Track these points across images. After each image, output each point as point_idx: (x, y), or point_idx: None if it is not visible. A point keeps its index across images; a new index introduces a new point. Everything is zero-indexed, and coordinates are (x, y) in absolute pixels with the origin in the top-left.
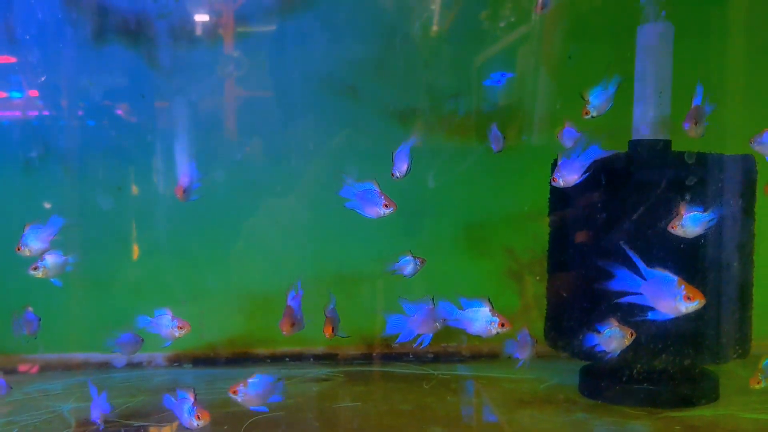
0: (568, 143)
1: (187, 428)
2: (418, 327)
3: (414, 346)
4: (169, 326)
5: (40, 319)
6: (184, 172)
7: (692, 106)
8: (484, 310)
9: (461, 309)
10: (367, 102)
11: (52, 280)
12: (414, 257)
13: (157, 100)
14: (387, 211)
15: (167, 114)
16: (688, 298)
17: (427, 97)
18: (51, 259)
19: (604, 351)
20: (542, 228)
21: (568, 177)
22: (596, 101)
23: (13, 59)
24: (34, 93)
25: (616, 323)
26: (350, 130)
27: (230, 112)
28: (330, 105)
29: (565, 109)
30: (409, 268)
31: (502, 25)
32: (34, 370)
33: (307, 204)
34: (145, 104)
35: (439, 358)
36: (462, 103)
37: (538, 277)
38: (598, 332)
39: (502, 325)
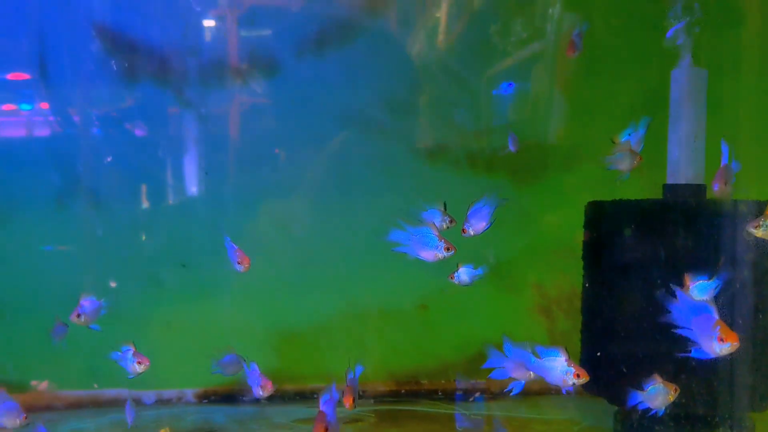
0: None
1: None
2: (513, 370)
3: (505, 390)
4: (130, 361)
5: (67, 327)
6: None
7: (720, 166)
8: (560, 360)
9: (537, 357)
10: (396, 139)
11: (91, 326)
12: (444, 214)
13: (184, 133)
14: (447, 255)
15: (196, 152)
16: (447, 249)
17: (456, 134)
18: (88, 306)
19: (648, 408)
20: (570, 264)
21: (477, 225)
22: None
23: (45, 102)
24: (65, 130)
25: (660, 379)
26: (380, 165)
27: (259, 150)
28: (359, 142)
29: (594, 146)
30: (436, 221)
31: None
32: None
33: (337, 240)
34: (172, 141)
35: (467, 395)
36: (490, 140)
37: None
38: (642, 389)
39: (578, 375)
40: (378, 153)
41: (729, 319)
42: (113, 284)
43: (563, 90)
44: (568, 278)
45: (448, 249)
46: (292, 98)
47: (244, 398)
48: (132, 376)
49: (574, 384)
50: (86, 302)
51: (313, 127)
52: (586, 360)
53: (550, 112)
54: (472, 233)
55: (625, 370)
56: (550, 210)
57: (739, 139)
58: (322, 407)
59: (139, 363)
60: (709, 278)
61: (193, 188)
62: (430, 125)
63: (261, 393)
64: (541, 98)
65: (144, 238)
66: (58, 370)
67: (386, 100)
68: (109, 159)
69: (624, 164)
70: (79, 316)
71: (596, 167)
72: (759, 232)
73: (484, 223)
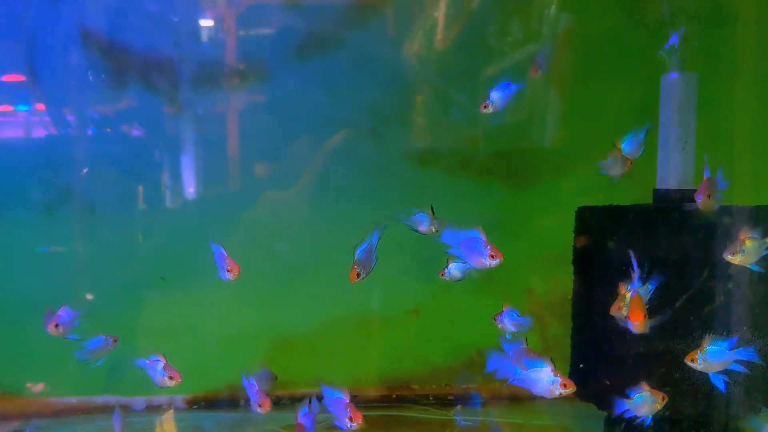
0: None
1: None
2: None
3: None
4: (160, 374)
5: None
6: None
7: (704, 179)
8: (547, 371)
9: (524, 369)
10: (388, 144)
11: (69, 336)
12: (433, 217)
13: (176, 142)
14: (493, 263)
15: (186, 157)
16: (492, 257)
17: (448, 139)
18: (64, 316)
19: (635, 416)
20: (562, 269)
21: (366, 263)
22: (628, 148)
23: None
24: (53, 134)
25: (647, 387)
26: (371, 170)
27: (250, 155)
28: (351, 148)
29: (588, 150)
30: (424, 226)
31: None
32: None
33: (328, 247)
34: (164, 146)
35: (459, 400)
36: (483, 145)
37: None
38: (629, 397)
39: (564, 386)
40: (370, 158)
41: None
42: (90, 296)
43: (557, 94)
44: (560, 284)
45: (493, 257)
46: (281, 105)
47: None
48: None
49: (561, 394)
50: (62, 312)
51: (305, 133)
52: (576, 366)
53: (544, 117)
54: (364, 275)
55: (614, 376)
56: (542, 215)
57: (732, 144)
58: (300, 420)
59: (171, 378)
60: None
61: (183, 194)
62: (421, 130)
63: (259, 411)
64: (535, 102)
65: (137, 241)
66: (48, 377)
67: (377, 106)
68: (84, 171)
69: (615, 169)
70: (56, 326)
71: (590, 172)
72: (736, 259)
73: (371, 262)
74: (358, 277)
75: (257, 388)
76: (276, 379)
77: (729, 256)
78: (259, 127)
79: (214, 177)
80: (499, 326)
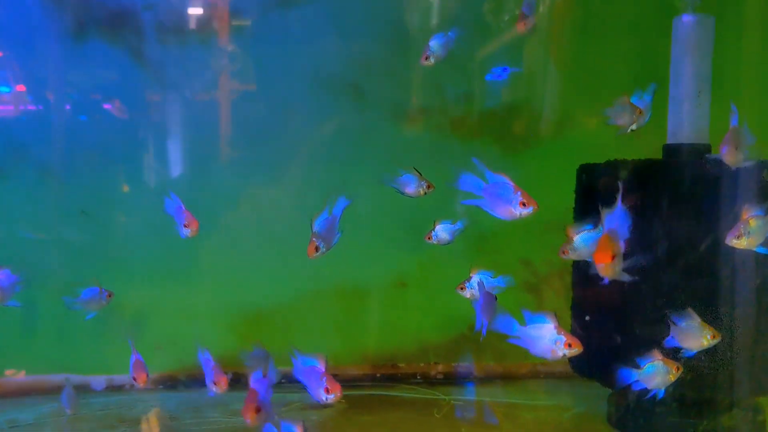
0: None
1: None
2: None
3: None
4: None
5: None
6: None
7: (730, 129)
8: (549, 327)
9: (523, 324)
10: (372, 102)
11: (9, 302)
12: (420, 179)
13: (143, 97)
14: (524, 212)
15: (153, 113)
16: (524, 204)
17: (438, 97)
18: (3, 279)
19: (645, 389)
20: (562, 238)
21: (326, 236)
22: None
23: None
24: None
25: (660, 356)
26: (354, 131)
27: (221, 113)
28: (332, 106)
29: (588, 110)
30: (411, 188)
31: (507, 18)
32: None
33: (307, 212)
34: (130, 102)
35: (450, 378)
36: (474, 103)
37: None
38: (638, 366)
39: (569, 345)
40: (351, 117)
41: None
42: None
43: (556, 47)
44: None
45: (525, 204)
46: (257, 58)
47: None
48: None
49: (565, 355)
50: (2, 275)
51: (281, 90)
52: (577, 337)
53: (543, 72)
54: (324, 249)
55: (619, 350)
56: (541, 179)
57: (746, 96)
58: (252, 385)
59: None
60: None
61: (148, 154)
62: (409, 88)
63: (215, 390)
64: (531, 58)
65: (95, 207)
66: None
67: (361, 61)
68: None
69: (623, 117)
70: None
71: (594, 131)
72: (742, 243)
73: (334, 235)
74: (316, 251)
75: (213, 364)
76: (271, 358)
77: (733, 240)
78: (233, 81)
79: (182, 137)
80: (468, 296)
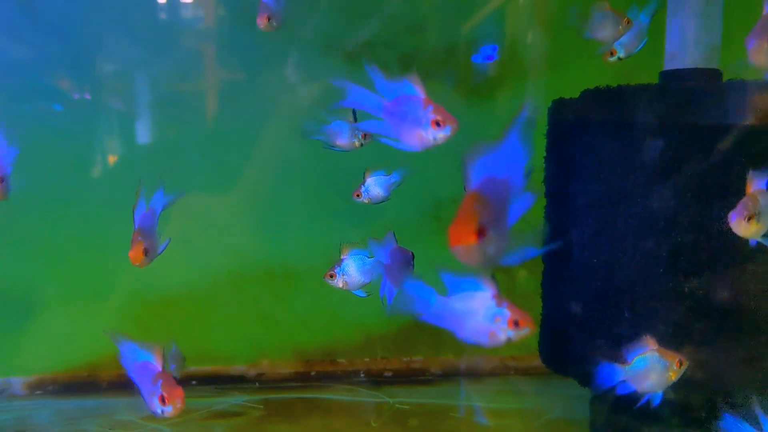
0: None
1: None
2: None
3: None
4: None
5: None
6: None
7: (763, 14)
8: (485, 296)
9: (445, 294)
10: (305, 35)
11: None
12: (353, 122)
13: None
14: (439, 135)
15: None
16: (438, 125)
17: (384, 29)
18: None
19: (635, 391)
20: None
21: (148, 232)
22: (624, 38)
23: None
24: None
25: (655, 345)
26: (279, 68)
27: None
28: (250, 39)
29: (569, 42)
30: (343, 138)
31: None
32: None
33: (224, 175)
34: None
35: (400, 377)
36: (429, 38)
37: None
38: (625, 362)
39: (515, 323)
40: (277, 53)
41: None
42: None
43: None
44: (531, 220)
45: (439, 124)
46: None
47: None
48: None
49: (509, 339)
50: None
51: (186, 18)
52: (549, 325)
53: (511, 7)
54: (151, 251)
55: (602, 340)
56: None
57: None
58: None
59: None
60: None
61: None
62: (348, 18)
63: (167, 412)
64: None
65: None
66: None
67: None
68: None
69: (605, 30)
70: None
71: (571, 67)
72: (751, 229)
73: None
74: (145, 255)
75: (159, 369)
76: (184, 359)
77: (743, 224)
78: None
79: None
80: (340, 285)
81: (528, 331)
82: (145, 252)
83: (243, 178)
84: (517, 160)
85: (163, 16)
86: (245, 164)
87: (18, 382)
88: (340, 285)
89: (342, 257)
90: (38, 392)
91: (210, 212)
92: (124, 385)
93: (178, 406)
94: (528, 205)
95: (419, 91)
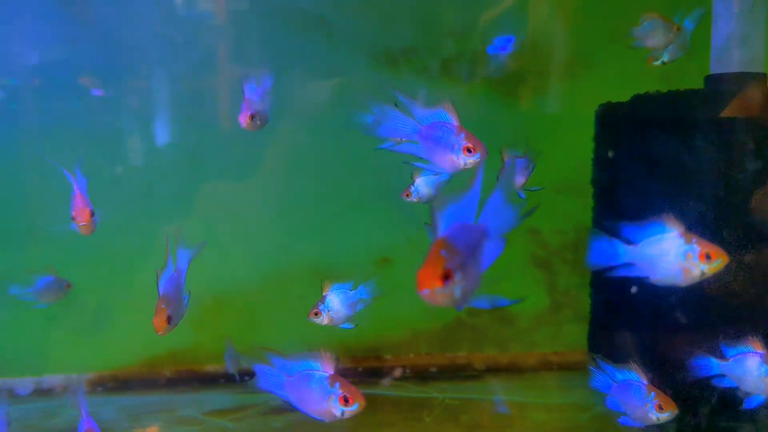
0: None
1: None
2: None
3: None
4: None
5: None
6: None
7: None
8: (672, 236)
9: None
10: (347, 40)
11: None
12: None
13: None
14: (469, 161)
15: (91, 58)
16: (469, 151)
17: (426, 34)
18: None
19: (735, 387)
20: (577, 202)
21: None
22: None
23: None
24: None
25: (759, 343)
26: (324, 74)
27: (164, 62)
28: (298, 44)
29: (608, 48)
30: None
31: None
32: None
33: (271, 177)
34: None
35: (445, 373)
36: (471, 42)
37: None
38: (723, 357)
39: (707, 256)
40: (318, 57)
41: None
42: None
43: None
44: (574, 220)
45: (471, 151)
46: None
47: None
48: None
49: (703, 273)
50: None
51: (232, 21)
52: (599, 324)
53: (552, 6)
54: (175, 317)
55: (651, 334)
56: (550, 130)
57: None
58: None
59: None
60: None
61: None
62: (390, 20)
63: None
64: None
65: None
66: None
67: None
68: None
69: (655, 38)
70: None
71: (613, 69)
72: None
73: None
74: (168, 323)
75: (329, 373)
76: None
77: None
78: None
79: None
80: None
81: (720, 262)
82: (169, 319)
83: (292, 183)
84: (490, 208)
85: (180, 12)
86: (294, 171)
87: (79, 379)
88: (326, 322)
89: (324, 293)
90: (99, 389)
91: (259, 216)
92: (181, 381)
93: (363, 403)
94: (499, 252)
95: (453, 118)
